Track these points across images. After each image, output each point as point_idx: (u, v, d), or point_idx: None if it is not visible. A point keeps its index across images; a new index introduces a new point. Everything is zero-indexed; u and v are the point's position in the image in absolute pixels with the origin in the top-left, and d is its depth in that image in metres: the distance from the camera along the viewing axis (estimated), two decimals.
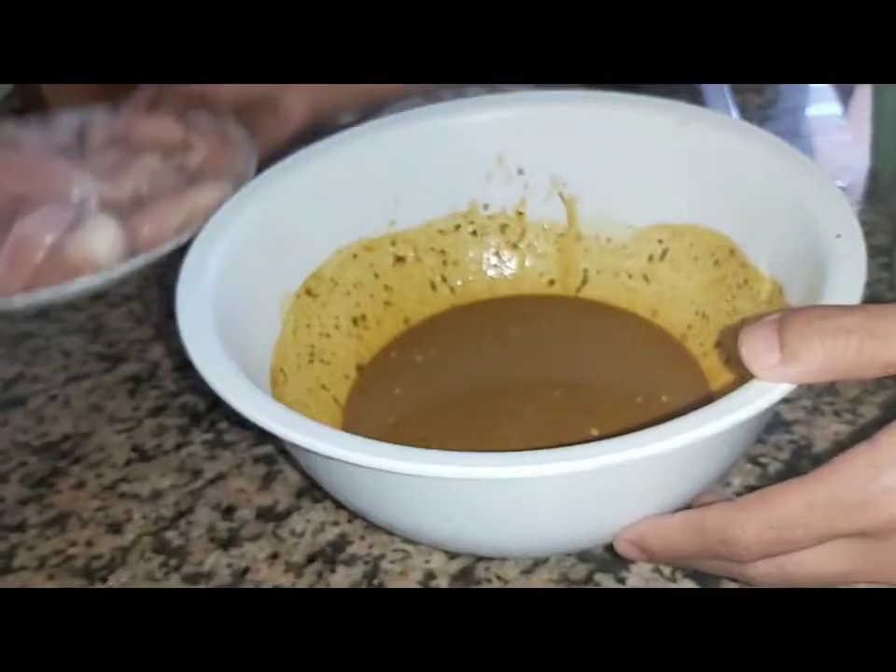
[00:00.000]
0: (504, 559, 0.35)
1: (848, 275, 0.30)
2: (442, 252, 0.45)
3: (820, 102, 0.67)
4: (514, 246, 0.45)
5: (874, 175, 0.56)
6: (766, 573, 0.28)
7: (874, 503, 0.25)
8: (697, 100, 0.68)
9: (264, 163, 0.41)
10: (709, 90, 0.68)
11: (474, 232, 0.45)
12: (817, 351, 0.26)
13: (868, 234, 0.49)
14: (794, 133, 0.62)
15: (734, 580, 0.31)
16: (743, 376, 0.28)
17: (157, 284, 0.53)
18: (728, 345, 0.37)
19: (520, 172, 0.44)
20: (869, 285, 0.42)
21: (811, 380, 0.26)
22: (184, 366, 0.31)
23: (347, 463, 0.27)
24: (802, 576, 0.27)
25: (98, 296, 0.53)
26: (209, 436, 0.42)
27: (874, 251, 0.48)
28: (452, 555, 0.35)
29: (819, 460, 0.36)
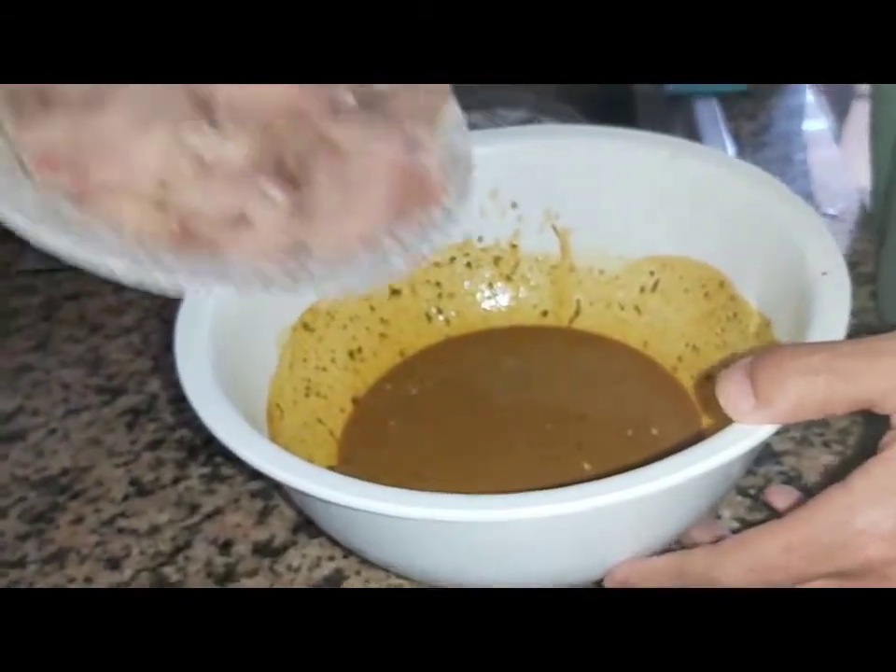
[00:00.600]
0: None
1: (832, 314, 0.30)
2: (438, 284, 0.45)
3: (814, 124, 0.67)
4: (508, 278, 0.46)
5: (876, 193, 0.56)
6: None
7: (849, 545, 0.25)
8: (691, 124, 0.69)
9: None
10: (703, 115, 0.69)
11: (469, 265, 0.45)
12: (788, 392, 0.26)
13: (857, 263, 0.50)
14: (787, 160, 0.63)
15: None
16: None
17: (156, 315, 0.54)
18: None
19: (513, 205, 0.44)
20: (857, 314, 0.42)
21: (787, 421, 0.27)
22: (182, 398, 0.32)
23: (339, 504, 0.27)
24: None
25: (97, 328, 0.54)
26: (206, 469, 0.43)
27: (863, 279, 0.48)
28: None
29: (808, 491, 0.37)
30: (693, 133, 0.68)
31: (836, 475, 0.27)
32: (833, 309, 0.31)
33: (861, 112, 0.66)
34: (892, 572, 0.26)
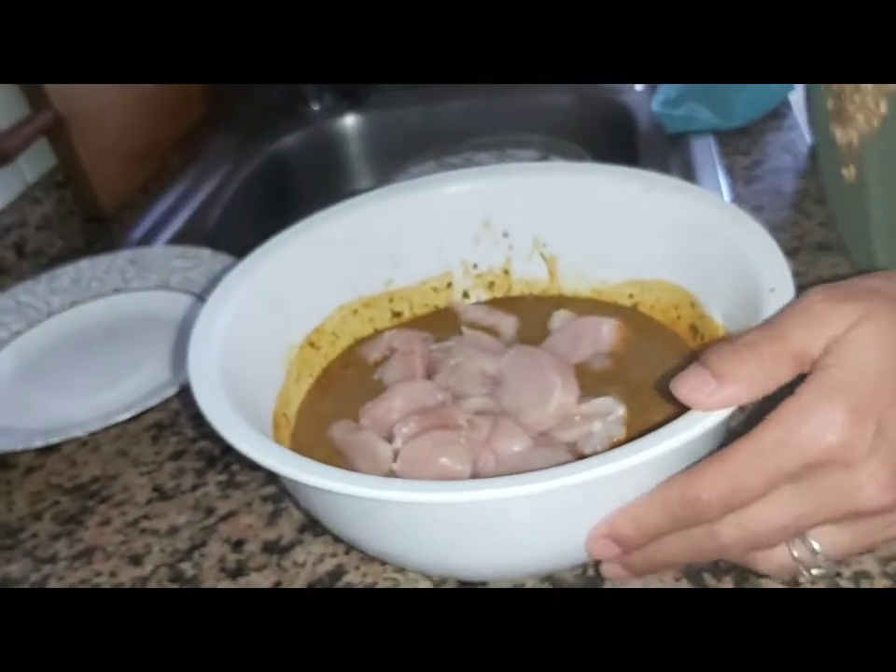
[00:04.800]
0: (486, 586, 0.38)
1: None
2: (436, 307, 0.49)
3: (804, 159, 0.70)
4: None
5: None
6: (734, 537, 0.30)
7: (810, 435, 0.29)
8: (689, 159, 0.72)
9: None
10: (699, 151, 0.73)
11: (465, 290, 0.49)
12: (738, 366, 0.30)
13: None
14: (778, 192, 0.66)
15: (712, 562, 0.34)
16: None
17: (184, 339, 0.58)
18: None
19: (505, 235, 0.48)
20: None
21: (745, 397, 0.30)
22: (201, 414, 0.36)
23: (334, 493, 0.31)
24: (765, 530, 0.30)
25: None
26: (223, 477, 0.47)
27: None
28: (437, 583, 0.39)
29: None
30: (690, 167, 0.71)
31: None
32: None
33: None
34: (862, 481, 0.29)
